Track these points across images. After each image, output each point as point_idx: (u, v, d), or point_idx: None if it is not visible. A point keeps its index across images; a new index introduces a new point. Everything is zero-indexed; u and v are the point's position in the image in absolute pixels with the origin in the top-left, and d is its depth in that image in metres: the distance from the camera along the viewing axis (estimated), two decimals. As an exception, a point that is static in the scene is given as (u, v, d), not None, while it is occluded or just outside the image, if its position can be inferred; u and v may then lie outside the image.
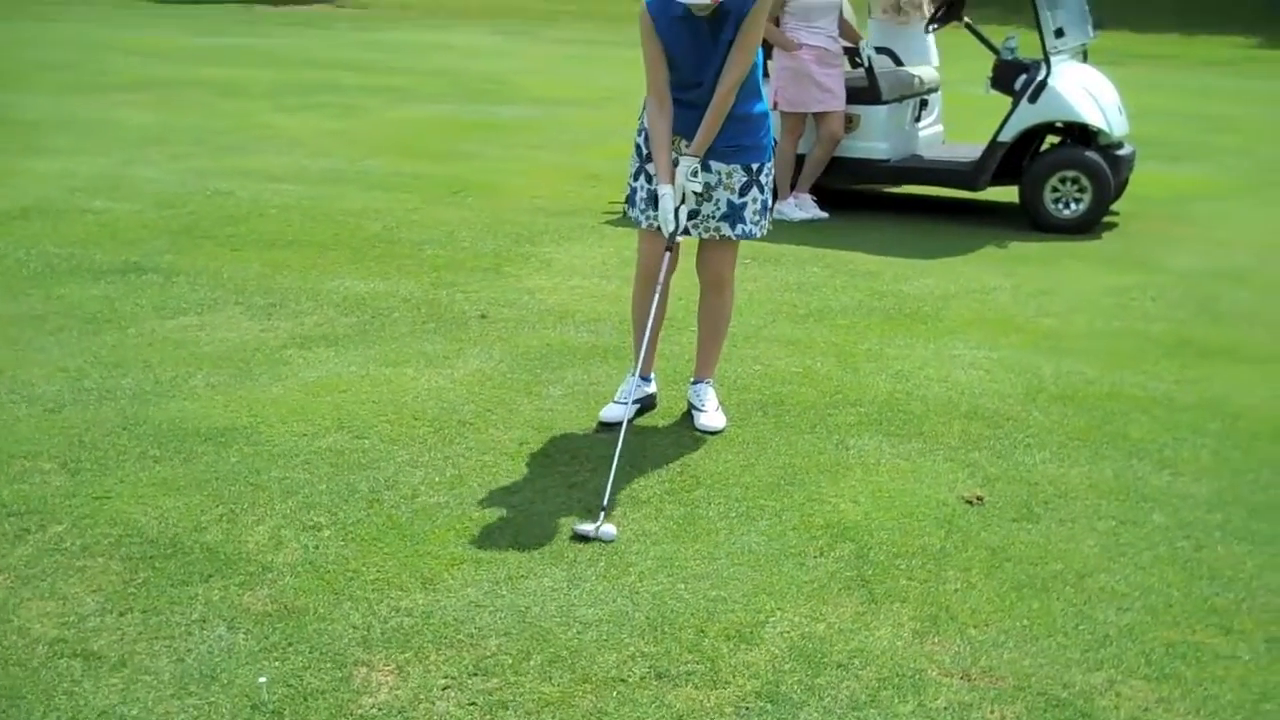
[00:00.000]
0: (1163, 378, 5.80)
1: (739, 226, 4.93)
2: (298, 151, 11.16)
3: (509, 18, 31.41)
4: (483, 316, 6.47)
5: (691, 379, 5.26)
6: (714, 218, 4.92)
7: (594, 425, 5.07)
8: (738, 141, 4.84)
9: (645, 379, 5.22)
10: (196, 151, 11.02)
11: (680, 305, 5.73)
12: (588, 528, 4.14)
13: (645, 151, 4.94)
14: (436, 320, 6.41)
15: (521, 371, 5.69)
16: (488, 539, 4.13)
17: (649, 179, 4.92)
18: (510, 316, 6.48)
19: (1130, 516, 4.40)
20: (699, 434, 5.03)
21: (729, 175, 4.87)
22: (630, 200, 5.08)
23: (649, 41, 4.76)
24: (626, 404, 5.01)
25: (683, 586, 3.86)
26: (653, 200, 4.90)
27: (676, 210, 4.77)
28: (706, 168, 4.83)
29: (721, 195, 4.89)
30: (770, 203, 5.05)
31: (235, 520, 4.21)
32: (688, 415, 5.18)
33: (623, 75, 18.11)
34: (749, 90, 4.81)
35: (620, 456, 4.48)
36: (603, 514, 4.21)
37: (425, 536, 4.14)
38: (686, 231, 4.91)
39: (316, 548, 4.04)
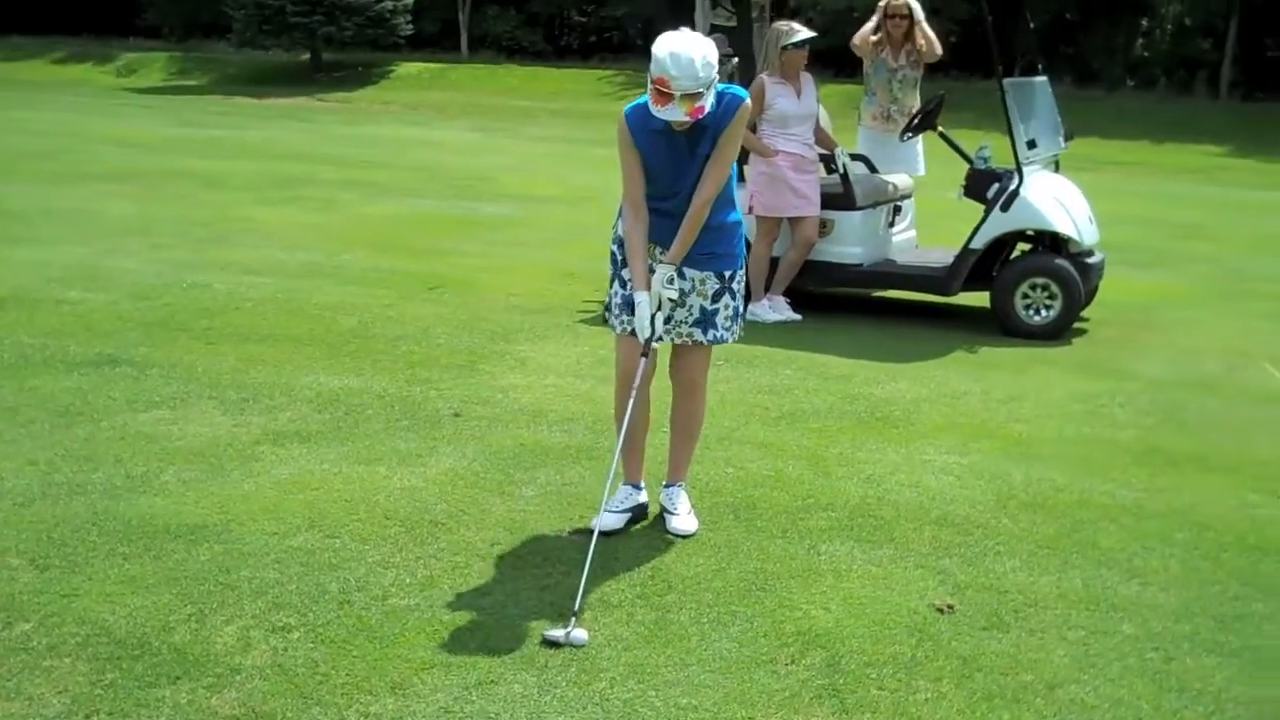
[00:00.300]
0: (1132, 486, 5.84)
1: (711, 332, 4.99)
2: (275, 244, 11.21)
3: (488, 115, 31.74)
4: (456, 415, 6.48)
5: (664, 482, 5.27)
6: (686, 323, 4.98)
7: (567, 528, 5.06)
8: (711, 249, 4.91)
9: (636, 486, 5.21)
10: (175, 243, 11.07)
11: (652, 407, 5.72)
12: (558, 633, 4.13)
13: (620, 259, 4.99)
14: (410, 418, 6.42)
15: (494, 471, 5.69)
16: (459, 642, 4.11)
17: (624, 284, 4.97)
18: (484, 415, 6.49)
19: (1100, 626, 4.42)
20: (671, 537, 5.03)
21: (702, 282, 4.94)
22: (608, 306, 5.13)
23: (627, 152, 4.83)
24: (618, 511, 5.04)
25: (654, 694, 3.85)
26: (628, 306, 4.93)
27: (653, 317, 4.80)
28: (680, 274, 4.89)
29: (695, 301, 4.95)
30: (742, 309, 5.10)
31: (204, 620, 4.18)
32: (660, 518, 5.18)
33: (599, 174, 18.30)
34: (724, 200, 4.89)
35: (592, 562, 4.48)
36: (574, 619, 4.20)
37: (396, 639, 4.12)
38: (660, 337, 4.95)
39: (285, 649, 4.02)
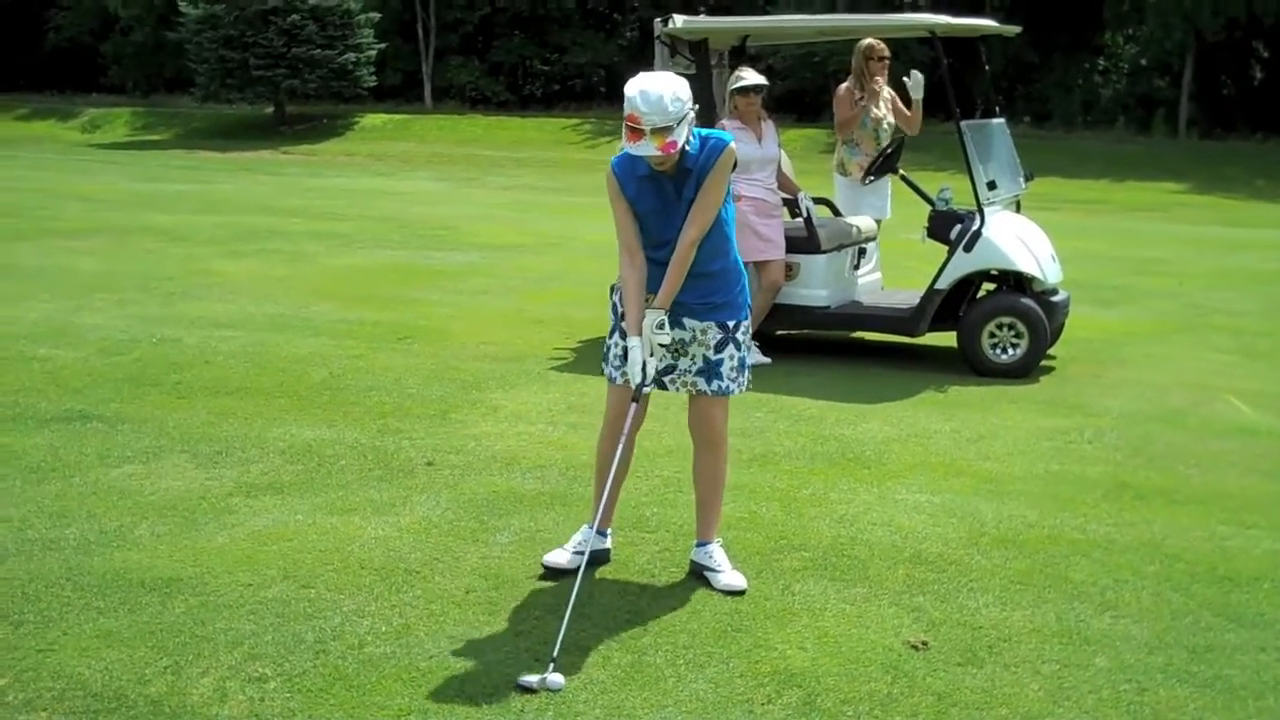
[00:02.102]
0: (1102, 520, 5.89)
1: (715, 383, 4.96)
2: (244, 298, 11.22)
3: (453, 164, 31.84)
4: (429, 464, 6.49)
5: (695, 541, 5.19)
6: (690, 372, 4.96)
7: (541, 571, 5.08)
8: (709, 299, 4.91)
9: (601, 533, 5.22)
10: (143, 298, 11.06)
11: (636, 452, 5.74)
12: (532, 679, 4.14)
13: (620, 310, 4.98)
14: (383, 468, 6.42)
15: (468, 519, 5.70)
16: (435, 689, 4.11)
17: (623, 335, 4.95)
18: (457, 463, 6.51)
19: (1073, 660, 4.45)
20: (644, 581, 5.05)
21: (703, 332, 4.93)
22: (604, 357, 5.13)
23: (617, 201, 4.87)
24: (579, 553, 5.01)
25: (632, 736, 3.86)
26: (625, 356, 4.91)
27: (644, 363, 4.81)
28: (680, 324, 4.90)
29: (698, 351, 4.94)
30: (748, 360, 5.07)
31: (180, 672, 4.18)
32: (647, 565, 5.20)
33: (565, 221, 18.40)
34: (717, 248, 4.89)
35: (572, 608, 4.48)
36: (551, 664, 4.21)
37: (372, 687, 4.12)
38: (663, 386, 4.98)
39: (262, 700, 4.01)
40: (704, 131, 4.81)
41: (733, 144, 4.83)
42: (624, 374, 4.95)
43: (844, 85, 9.89)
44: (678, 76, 4.72)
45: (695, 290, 4.88)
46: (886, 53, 9.65)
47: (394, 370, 8.53)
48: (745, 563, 5.22)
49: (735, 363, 4.98)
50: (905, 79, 9.36)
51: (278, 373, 8.37)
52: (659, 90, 4.57)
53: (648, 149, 4.61)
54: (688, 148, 4.74)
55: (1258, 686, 4.28)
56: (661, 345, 4.83)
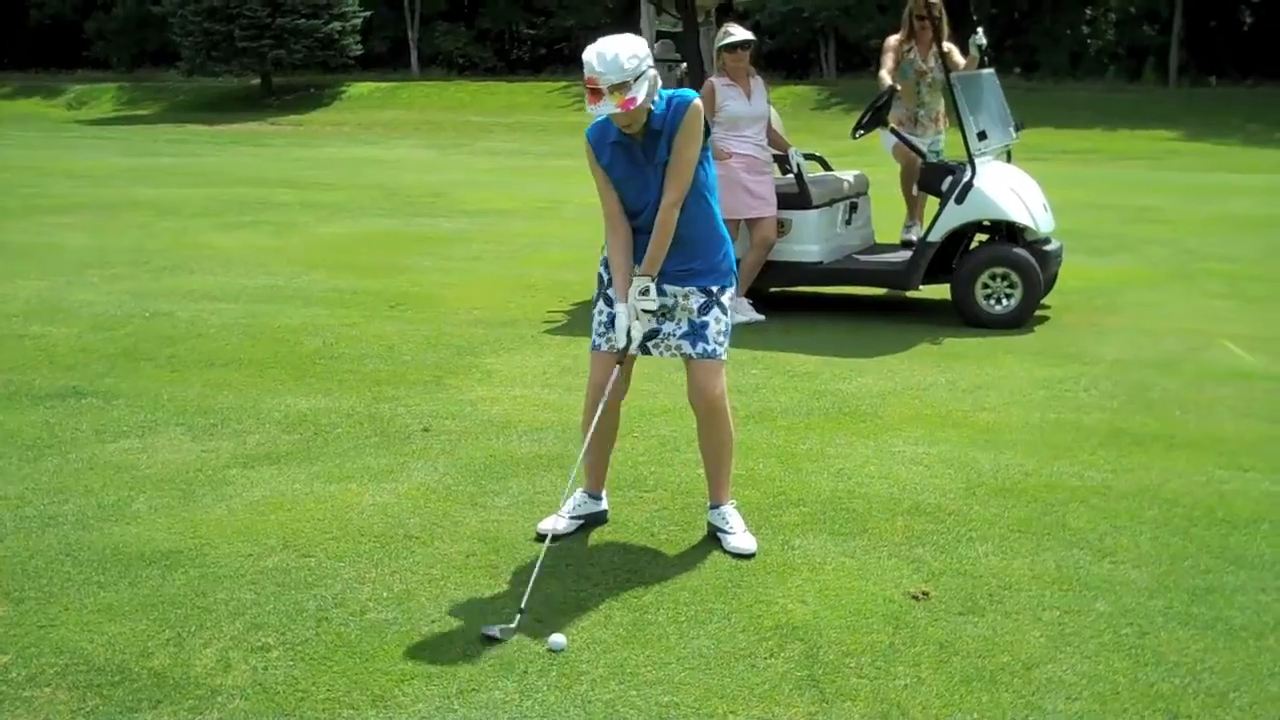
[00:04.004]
0: (1099, 467, 5.89)
1: (700, 345, 4.90)
2: (235, 270, 11.19)
3: (442, 131, 31.76)
4: (425, 430, 6.48)
5: (708, 504, 5.17)
6: (674, 335, 4.92)
7: (537, 535, 5.09)
8: (688, 265, 4.87)
9: (594, 496, 5.23)
10: (134, 273, 11.03)
11: (626, 411, 5.73)
12: (493, 630, 4.18)
13: (605, 279, 4.97)
14: (379, 435, 6.42)
15: (466, 483, 5.70)
16: (438, 653, 4.12)
17: (609, 302, 4.95)
18: (453, 429, 6.50)
19: (1074, 606, 4.46)
20: (643, 539, 5.05)
21: (685, 297, 4.89)
22: (593, 325, 5.09)
23: (595, 170, 4.85)
24: (569, 517, 5.10)
25: (635, 693, 3.86)
26: (612, 324, 4.91)
27: (629, 329, 4.79)
28: (661, 291, 4.87)
29: (682, 315, 4.91)
30: (730, 325, 5.01)
31: (182, 644, 4.18)
32: (646, 526, 5.20)
33: (555, 185, 18.36)
34: (694, 213, 4.84)
35: (542, 564, 4.50)
36: (519, 616, 4.25)
37: (375, 653, 4.12)
38: (647, 351, 4.96)
39: (265, 669, 4.02)
40: (669, 92, 4.77)
41: (698, 100, 4.74)
42: (609, 340, 4.95)
43: (893, 37, 9.85)
44: (635, 37, 4.68)
45: (675, 257, 4.84)
46: (936, 12, 9.49)
47: (387, 338, 8.52)
48: (747, 520, 5.21)
49: (721, 326, 4.92)
50: (971, 37, 9.34)
51: (271, 343, 8.35)
52: (614, 49, 4.55)
53: (608, 107, 4.58)
54: (653, 108, 4.69)
55: (1258, 627, 4.28)
56: (646, 311, 4.80)
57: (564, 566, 4.78)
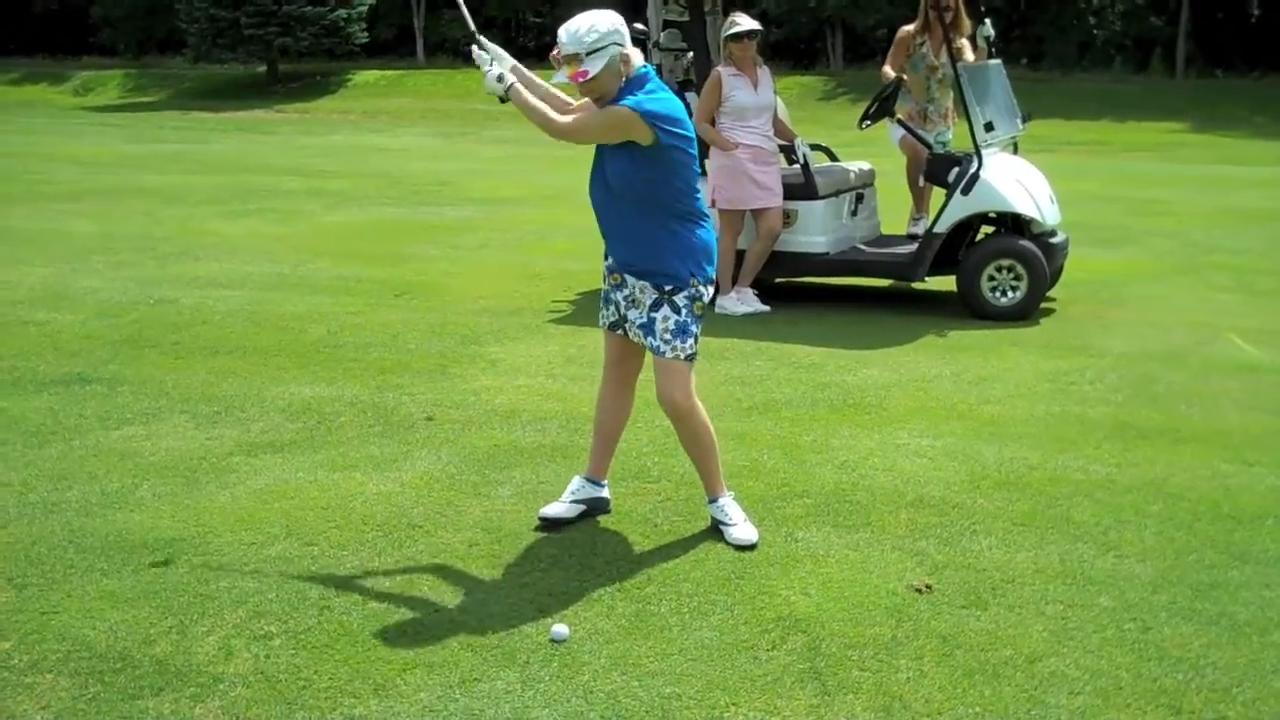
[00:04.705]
0: (1104, 461, 5.88)
1: (650, 339, 4.89)
2: (240, 257, 11.19)
3: (448, 119, 31.72)
4: (429, 419, 6.48)
5: (707, 499, 5.15)
6: (635, 324, 4.93)
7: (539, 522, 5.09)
8: (634, 262, 4.87)
9: (596, 482, 5.24)
10: (139, 260, 11.03)
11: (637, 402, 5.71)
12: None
13: (610, 260, 5.03)
14: (383, 423, 6.42)
15: (470, 473, 5.70)
16: (440, 642, 4.12)
17: (603, 279, 5.05)
18: (457, 418, 6.50)
19: (1077, 600, 4.45)
20: (647, 530, 5.05)
21: (640, 290, 4.89)
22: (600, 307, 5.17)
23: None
24: (567, 501, 5.13)
25: (637, 684, 3.86)
26: (604, 300, 5.05)
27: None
28: (624, 279, 4.93)
29: (642, 305, 4.90)
30: (694, 328, 4.90)
31: (185, 632, 4.18)
32: (643, 516, 5.20)
33: (562, 174, 18.30)
34: (635, 208, 4.81)
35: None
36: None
37: (377, 642, 4.12)
38: (626, 333, 5.00)
39: (268, 657, 4.02)
40: (652, 86, 4.75)
41: (628, 110, 4.66)
42: (602, 315, 5.07)
43: (906, 27, 9.81)
44: (611, 14, 4.71)
45: (622, 249, 4.91)
46: (952, 3, 9.43)
47: (392, 326, 8.52)
48: (748, 511, 5.20)
49: (670, 325, 4.84)
50: (979, 28, 9.30)
51: (276, 331, 8.35)
52: (578, 23, 4.66)
53: (560, 76, 4.73)
54: (623, 91, 4.72)
55: (1262, 623, 4.28)
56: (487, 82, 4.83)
57: (567, 557, 4.79)
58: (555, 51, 4.71)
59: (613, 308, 5.02)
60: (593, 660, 4.01)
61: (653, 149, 4.71)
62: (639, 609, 4.37)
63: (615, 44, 4.65)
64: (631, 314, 4.94)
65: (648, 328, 4.89)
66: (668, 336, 4.86)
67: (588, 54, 4.62)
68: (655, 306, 4.87)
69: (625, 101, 4.68)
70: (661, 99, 4.72)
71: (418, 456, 5.92)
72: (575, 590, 4.50)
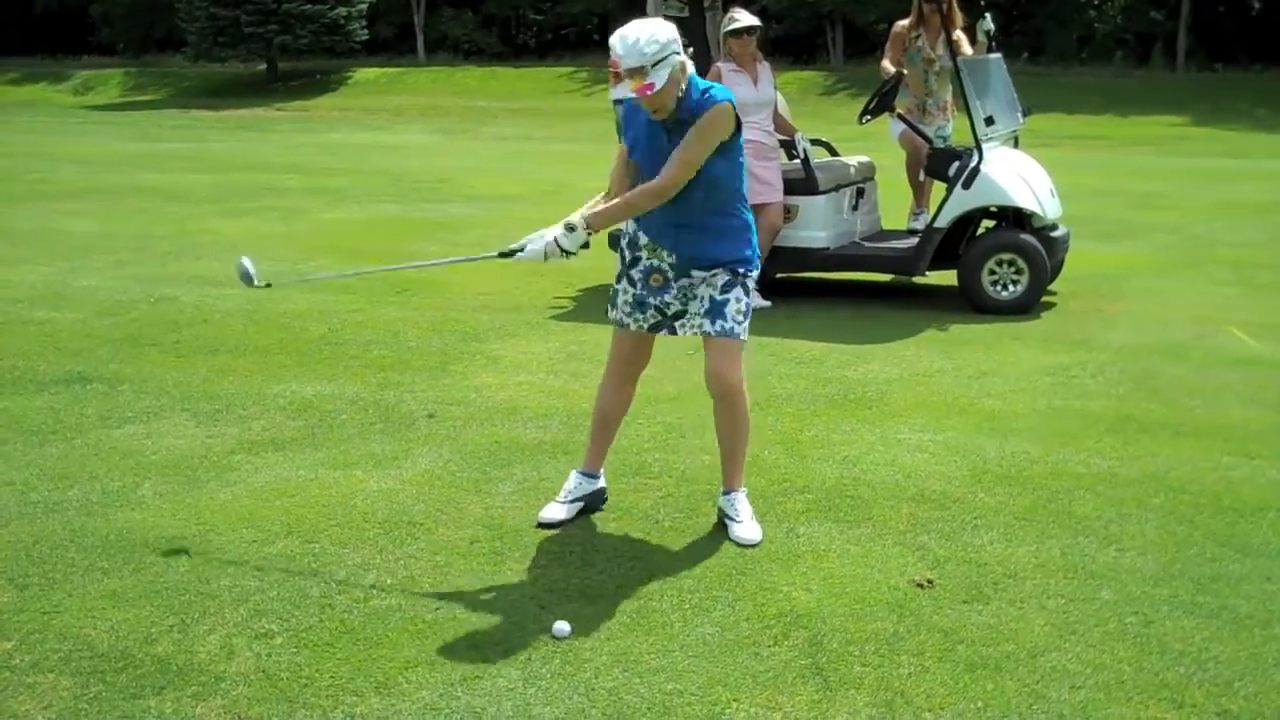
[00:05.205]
0: (1105, 454, 5.88)
1: (719, 322, 4.86)
2: (240, 255, 11.15)
3: (448, 117, 31.72)
4: (430, 416, 6.48)
5: (721, 489, 5.15)
6: (698, 315, 4.90)
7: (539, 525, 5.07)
8: (716, 257, 4.86)
9: (593, 475, 5.23)
10: (139, 258, 11.03)
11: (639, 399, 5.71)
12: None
13: (627, 257, 4.99)
14: (384, 421, 6.41)
15: (471, 470, 5.69)
16: (442, 640, 4.11)
17: (632, 283, 4.97)
18: (458, 415, 6.49)
19: (1079, 594, 4.45)
20: (648, 526, 5.04)
21: (709, 278, 4.88)
22: (612, 303, 5.09)
23: (619, 134, 4.90)
24: (566, 501, 5.11)
25: (638, 681, 3.86)
26: (638, 305, 4.95)
27: (529, 247, 4.83)
28: (689, 275, 4.88)
29: (705, 292, 4.89)
30: (750, 309, 4.97)
31: (186, 630, 4.18)
32: (637, 511, 5.19)
33: (561, 170, 18.33)
34: (720, 205, 4.83)
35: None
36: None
37: (378, 640, 4.12)
38: (674, 331, 4.96)
39: (269, 655, 4.02)
40: (706, 83, 4.75)
41: (727, 103, 4.67)
42: (634, 320, 4.98)
43: (901, 22, 9.81)
44: (664, 22, 4.65)
45: (697, 244, 4.84)
46: None
47: (393, 323, 8.51)
48: (753, 508, 5.21)
49: (742, 306, 4.89)
50: (978, 22, 9.29)
51: (276, 329, 8.35)
52: (635, 33, 4.53)
53: (624, 90, 4.59)
54: (684, 98, 4.65)
55: (1264, 616, 4.27)
56: (561, 249, 4.76)
57: (568, 554, 4.79)
58: (613, 66, 4.57)
59: (651, 311, 4.94)
60: (594, 657, 4.01)
61: (732, 139, 4.74)
62: (640, 605, 4.37)
63: (675, 53, 4.57)
64: (692, 305, 4.90)
65: (716, 311, 4.86)
66: (739, 317, 4.89)
67: (652, 65, 4.52)
68: (728, 288, 4.87)
69: (717, 98, 4.65)
70: (725, 88, 4.78)
71: (419, 454, 5.91)
72: (576, 587, 4.49)
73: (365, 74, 39.97)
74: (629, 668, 3.94)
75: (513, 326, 8.45)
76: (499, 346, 7.91)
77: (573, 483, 5.18)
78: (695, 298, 4.91)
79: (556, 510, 5.09)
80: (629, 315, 5.01)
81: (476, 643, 4.09)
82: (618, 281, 5.06)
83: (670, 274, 4.91)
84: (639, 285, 4.94)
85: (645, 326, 4.99)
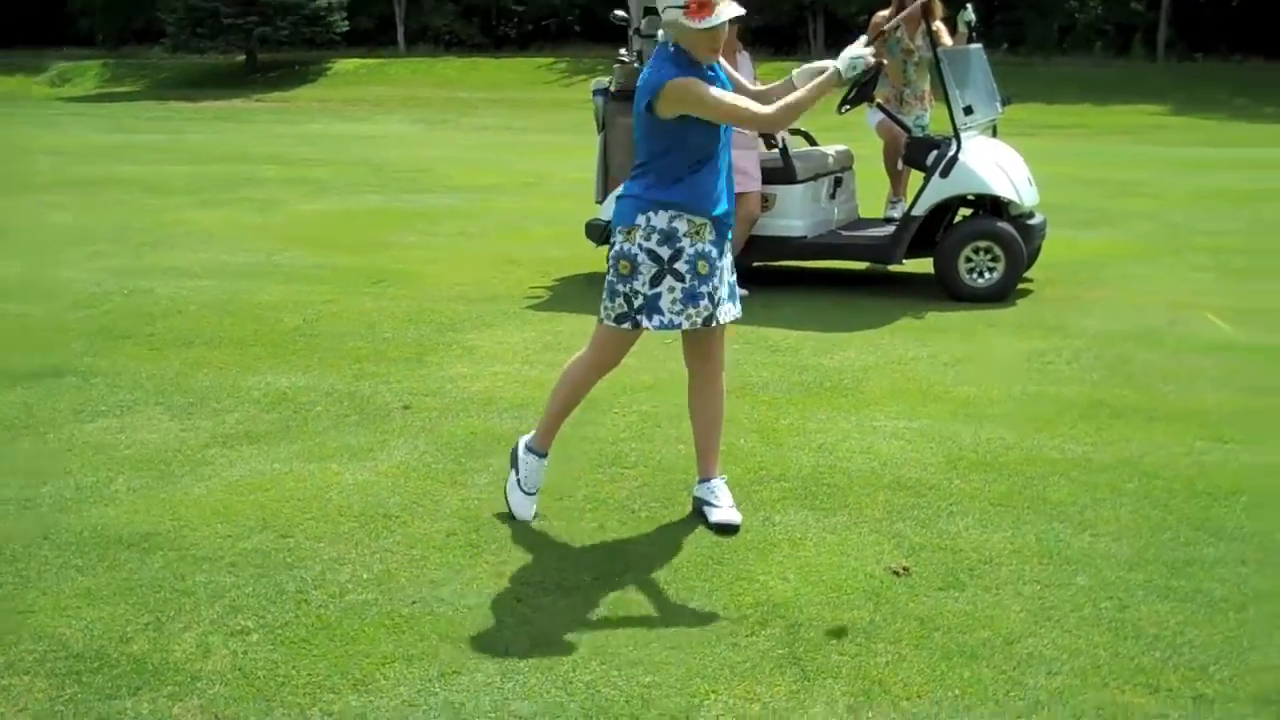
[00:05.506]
0: (1080, 440, 5.89)
1: (738, 302, 4.93)
2: (216, 247, 11.14)
3: (428, 108, 31.65)
4: (406, 407, 6.46)
5: (699, 477, 5.08)
6: (726, 299, 4.84)
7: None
8: (732, 205, 4.86)
9: (544, 454, 5.08)
10: (115, 250, 10.98)
11: (607, 388, 5.69)
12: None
13: (666, 256, 4.66)
14: (359, 413, 6.39)
15: (447, 461, 5.68)
16: (419, 635, 4.10)
17: (678, 277, 4.67)
18: (434, 406, 6.47)
19: (1054, 579, 4.45)
20: (623, 517, 5.03)
21: (728, 247, 4.87)
22: (647, 312, 4.71)
23: (701, 89, 4.67)
24: (534, 493, 5.05)
25: (616, 674, 3.85)
26: (689, 299, 4.68)
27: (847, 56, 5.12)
28: (726, 239, 4.82)
29: (728, 276, 4.86)
30: None
31: (162, 628, 4.15)
32: (629, 505, 5.19)
33: (542, 160, 18.30)
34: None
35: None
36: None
37: (355, 635, 4.10)
38: (717, 320, 4.81)
39: (245, 653, 3.99)
40: None
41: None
42: (687, 317, 4.70)
43: (880, 13, 9.81)
44: None
45: (729, 191, 4.81)
46: None
47: (368, 314, 8.49)
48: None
49: (733, 277, 4.94)
50: (959, 13, 9.30)
51: (251, 321, 8.31)
52: None
53: (733, 9, 4.72)
54: None
55: (1238, 599, 4.28)
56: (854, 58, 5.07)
57: (544, 545, 4.78)
58: None
59: (705, 303, 4.71)
60: (572, 650, 4.00)
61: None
62: (617, 597, 4.36)
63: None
64: (722, 290, 4.81)
65: (733, 293, 4.88)
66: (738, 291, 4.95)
67: None
68: (732, 269, 4.93)
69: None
70: None
71: (394, 446, 5.89)
72: (553, 579, 4.48)
73: (345, 65, 39.85)
74: (607, 660, 3.93)
75: (489, 317, 8.42)
76: (475, 337, 7.89)
77: (534, 469, 5.04)
78: (725, 282, 4.82)
79: (527, 508, 5.04)
80: (680, 314, 4.69)
81: (453, 637, 4.08)
82: (653, 286, 4.68)
83: (714, 254, 4.72)
84: (687, 278, 4.68)
85: (699, 320, 4.73)
